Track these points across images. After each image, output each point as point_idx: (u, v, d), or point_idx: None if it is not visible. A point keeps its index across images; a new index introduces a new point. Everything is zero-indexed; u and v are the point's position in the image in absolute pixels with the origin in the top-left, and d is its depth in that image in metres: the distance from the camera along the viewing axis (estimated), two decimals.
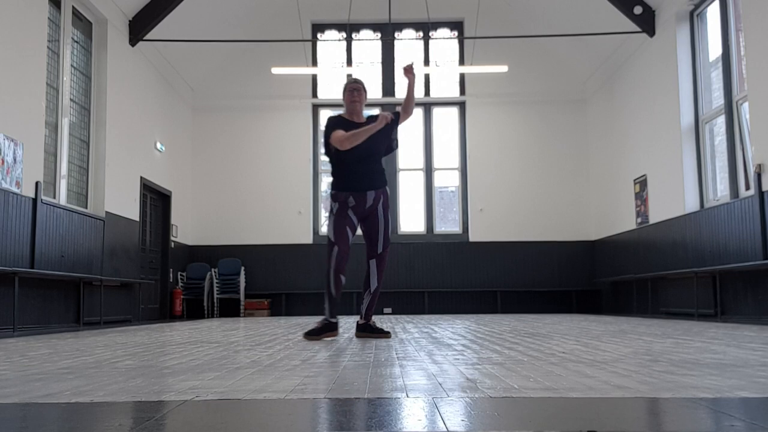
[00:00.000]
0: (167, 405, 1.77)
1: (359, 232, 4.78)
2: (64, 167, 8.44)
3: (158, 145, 11.29)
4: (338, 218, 4.63)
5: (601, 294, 12.69)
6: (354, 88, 4.78)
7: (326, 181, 13.66)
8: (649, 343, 3.85)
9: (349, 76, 4.97)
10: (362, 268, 5.08)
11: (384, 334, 4.65)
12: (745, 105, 8.00)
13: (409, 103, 4.75)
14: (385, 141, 4.74)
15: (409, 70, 4.69)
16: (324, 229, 13.47)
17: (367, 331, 4.67)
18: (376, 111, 14.08)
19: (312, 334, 4.49)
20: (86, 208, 9.04)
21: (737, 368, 2.50)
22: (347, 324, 7.44)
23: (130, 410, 1.71)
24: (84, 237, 8.58)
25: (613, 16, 10.62)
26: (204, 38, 11.63)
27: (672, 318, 8.45)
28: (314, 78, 13.51)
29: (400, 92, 13.35)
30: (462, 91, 13.37)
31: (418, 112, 13.44)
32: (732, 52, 8.43)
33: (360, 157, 4.64)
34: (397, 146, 4.92)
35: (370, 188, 4.65)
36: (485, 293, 12.88)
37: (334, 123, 4.72)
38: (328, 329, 4.54)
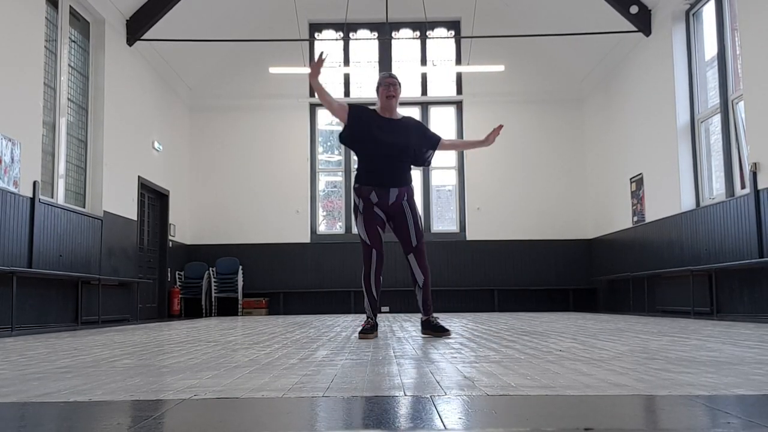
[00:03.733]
0: (165, 404, 1.77)
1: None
2: (61, 167, 8.43)
3: (156, 145, 11.28)
4: (367, 218, 4.55)
5: (598, 292, 12.71)
6: (390, 83, 4.61)
7: (324, 180, 13.66)
8: (646, 341, 3.86)
9: (388, 73, 4.84)
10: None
11: (444, 332, 4.49)
12: (741, 104, 8.02)
13: (470, 145, 4.95)
14: (414, 148, 4.60)
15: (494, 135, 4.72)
16: (322, 227, 13.47)
17: (427, 328, 4.57)
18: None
19: (367, 333, 4.44)
20: (84, 207, 9.03)
21: (733, 366, 2.51)
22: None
23: (128, 409, 1.72)
24: (82, 236, 8.57)
25: (610, 16, 10.63)
26: (201, 38, 11.62)
27: (668, 316, 8.47)
28: None
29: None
30: (459, 91, 13.38)
31: (414, 112, 13.44)
32: (728, 51, 8.44)
33: (387, 154, 4.52)
34: (428, 164, 4.84)
35: (393, 185, 4.53)
36: (482, 292, 12.90)
37: (358, 109, 4.64)
38: (373, 330, 4.52)
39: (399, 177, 4.56)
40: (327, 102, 4.60)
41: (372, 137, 4.53)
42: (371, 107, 4.73)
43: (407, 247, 4.64)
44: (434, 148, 4.75)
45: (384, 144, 4.51)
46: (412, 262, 4.63)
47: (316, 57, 4.58)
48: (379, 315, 8.45)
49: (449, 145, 5.04)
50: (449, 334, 4.53)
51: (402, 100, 13.20)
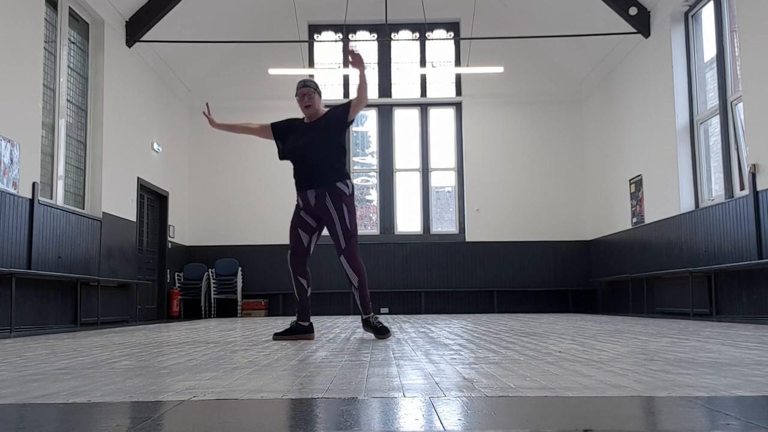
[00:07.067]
0: (164, 405, 1.77)
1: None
2: (61, 168, 8.43)
3: (155, 146, 11.28)
4: (293, 219, 4.75)
5: (597, 293, 12.71)
6: (304, 93, 4.70)
7: None
8: (645, 342, 3.86)
9: (302, 82, 4.83)
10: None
11: (380, 334, 4.53)
12: (740, 105, 8.03)
13: (361, 91, 4.49)
14: (325, 139, 4.61)
15: (354, 57, 4.42)
16: None
17: (368, 326, 4.65)
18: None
19: (283, 334, 4.58)
20: (83, 208, 9.02)
21: (732, 367, 2.52)
22: (343, 324, 7.43)
23: (127, 410, 1.72)
24: (81, 238, 8.57)
25: (609, 17, 10.64)
26: (201, 39, 11.62)
27: (667, 317, 8.47)
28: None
29: (397, 93, 13.36)
30: (458, 92, 13.38)
31: (414, 113, 13.44)
32: (726, 52, 8.45)
33: (300, 156, 4.65)
34: (350, 122, 4.72)
35: (309, 187, 4.61)
36: (482, 293, 12.89)
37: (280, 123, 4.87)
38: (298, 332, 4.60)
39: (314, 178, 4.60)
40: (247, 131, 4.90)
41: (293, 146, 4.68)
42: (302, 116, 4.86)
43: (338, 249, 4.64)
44: (347, 109, 4.67)
45: (298, 148, 4.65)
46: (344, 264, 4.64)
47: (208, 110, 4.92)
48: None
49: (357, 99, 4.60)
50: (388, 336, 4.53)
51: (401, 102, 13.38)
